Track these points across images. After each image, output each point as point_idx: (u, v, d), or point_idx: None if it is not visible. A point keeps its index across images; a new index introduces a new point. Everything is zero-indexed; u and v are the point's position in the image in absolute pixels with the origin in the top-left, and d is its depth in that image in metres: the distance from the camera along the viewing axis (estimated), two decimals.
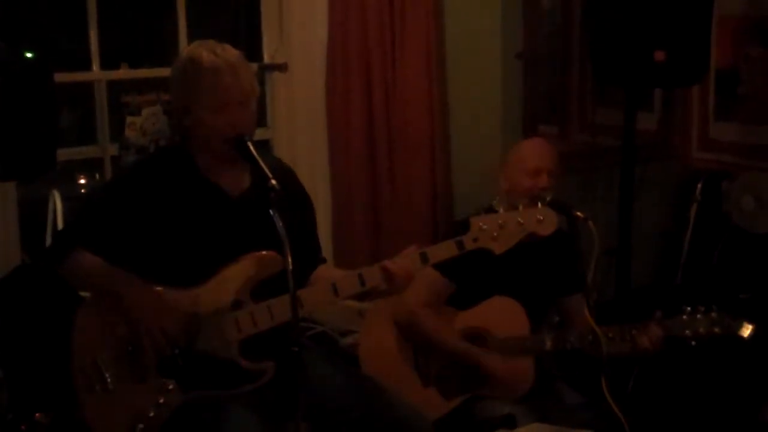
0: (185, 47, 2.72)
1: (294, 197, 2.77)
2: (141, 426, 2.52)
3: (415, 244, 2.70)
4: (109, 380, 2.59)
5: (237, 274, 2.60)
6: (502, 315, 3.11)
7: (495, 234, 2.65)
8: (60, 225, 3.92)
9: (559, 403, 3.12)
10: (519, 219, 2.65)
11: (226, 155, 2.65)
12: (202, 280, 2.61)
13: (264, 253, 2.60)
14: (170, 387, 2.56)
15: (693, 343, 2.98)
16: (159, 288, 2.60)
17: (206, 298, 2.59)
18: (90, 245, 2.63)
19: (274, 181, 2.44)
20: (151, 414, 2.54)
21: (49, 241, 4.03)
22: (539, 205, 2.68)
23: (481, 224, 2.65)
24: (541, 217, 2.66)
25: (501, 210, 2.69)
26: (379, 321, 3.20)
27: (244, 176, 2.73)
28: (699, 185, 4.12)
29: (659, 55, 3.57)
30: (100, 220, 2.66)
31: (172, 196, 2.64)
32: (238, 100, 2.62)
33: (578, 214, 3.00)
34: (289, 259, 2.30)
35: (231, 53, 2.66)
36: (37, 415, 3.19)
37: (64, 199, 4.02)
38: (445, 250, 2.68)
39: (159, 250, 2.63)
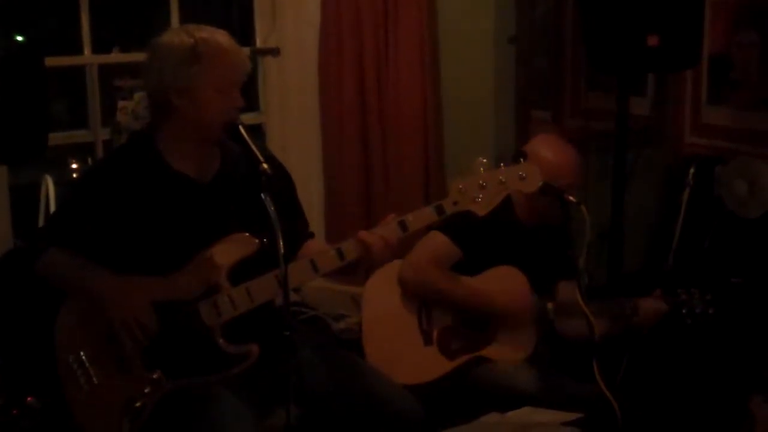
0: (168, 32, 2.62)
1: (278, 176, 2.71)
2: (129, 417, 2.52)
3: (394, 213, 2.62)
4: (94, 376, 2.58)
5: (212, 258, 2.57)
6: (505, 282, 3.10)
7: (476, 195, 2.54)
8: (52, 210, 3.92)
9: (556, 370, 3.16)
10: (500, 177, 2.53)
11: (200, 142, 2.62)
12: (179, 267, 2.58)
13: (237, 235, 2.58)
14: (156, 376, 2.55)
15: (689, 321, 3.08)
16: (133, 278, 2.57)
17: (183, 284, 2.57)
18: (63, 244, 2.62)
19: (265, 165, 2.43)
20: (139, 404, 2.53)
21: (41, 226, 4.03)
22: (521, 161, 2.58)
23: (460, 187, 2.55)
24: (524, 174, 2.55)
25: (481, 170, 2.56)
26: (383, 281, 3.16)
27: (211, 161, 2.69)
28: (691, 170, 4.10)
29: (652, 40, 3.56)
30: (72, 220, 2.65)
31: (141, 191, 2.60)
32: (242, 81, 2.61)
33: (570, 198, 2.99)
34: (281, 243, 2.29)
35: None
36: (29, 399, 3.19)
37: (56, 184, 4.02)
38: (425, 216, 2.60)
39: (134, 242, 2.61)
